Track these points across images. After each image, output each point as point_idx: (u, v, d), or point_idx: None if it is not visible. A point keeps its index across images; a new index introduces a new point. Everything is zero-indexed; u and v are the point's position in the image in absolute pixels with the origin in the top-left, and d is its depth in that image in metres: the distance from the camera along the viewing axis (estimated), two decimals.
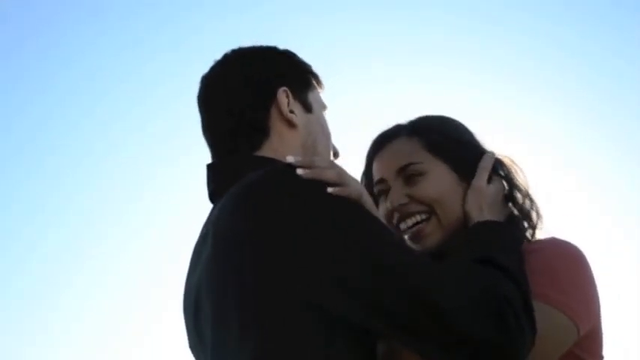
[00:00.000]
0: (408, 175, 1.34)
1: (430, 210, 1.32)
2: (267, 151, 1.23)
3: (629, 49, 4.63)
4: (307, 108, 1.30)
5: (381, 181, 1.38)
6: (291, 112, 1.26)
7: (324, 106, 1.35)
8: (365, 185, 1.40)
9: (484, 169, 1.33)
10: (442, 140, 1.37)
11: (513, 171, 1.40)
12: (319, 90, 1.35)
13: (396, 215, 1.34)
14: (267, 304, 1.01)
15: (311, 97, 1.32)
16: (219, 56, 1.33)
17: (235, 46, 1.33)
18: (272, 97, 1.25)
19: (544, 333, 1.09)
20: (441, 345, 1.03)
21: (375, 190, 1.39)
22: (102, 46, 5.29)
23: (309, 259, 1.00)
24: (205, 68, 1.34)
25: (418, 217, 1.33)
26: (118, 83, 5.29)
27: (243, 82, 1.26)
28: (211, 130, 1.29)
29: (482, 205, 1.29)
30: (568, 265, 1.24)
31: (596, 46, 4.70)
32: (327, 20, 4.85)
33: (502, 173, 1.39)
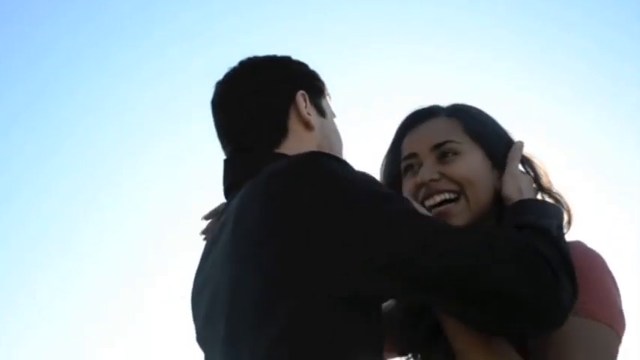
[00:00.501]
0: (444, 152, 1.33)
1: (460, 190, 1.31)
2: (285, 149, 1.27)
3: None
4: (321, 113, 1.37)
5: (412, 155, 1.37)
6: (308, 114, 1.32)
7: (334, 114, 1.42)
8: (390, 161, 1.42)
9: (516, 156, 1.34)
10: (481, 126, 1.38)
11: (537, 166, 1.41)
12: (328, 99, 1.42)
13: (424, 191, 1.32)
14: (291, 294, 1.01)
15: (324, 103, 1.39)
16: (231, 63, 1.40)
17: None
18: (291, 99, 1.32)
19: (594, 348, 1.12)
20: (484, 308, 1.04)
21: (403, 165, 1.38)
22: (79, 36, 5.17)
23: (339, 246, 1.01)
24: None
25: (447, 195, 1.31)
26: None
27: (264, 85, 1.34)
28: (230, 130, 1.34)
29: (521, 189, 1.28)
30: (599, 276, 1.24)
31: (607, 30, 4.55)
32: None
33: (527, 168, 1.40)
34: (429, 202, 1.30)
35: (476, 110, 1.42)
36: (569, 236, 1.29)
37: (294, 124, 1.30)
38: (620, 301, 1.24)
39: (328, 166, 1.08)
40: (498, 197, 1.31)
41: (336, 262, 1.01)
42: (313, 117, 1.33)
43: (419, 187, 1.32)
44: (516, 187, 1.27)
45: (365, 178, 1.11)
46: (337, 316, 1.01)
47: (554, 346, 1.12)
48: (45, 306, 5.37)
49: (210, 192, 1.60)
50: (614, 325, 1.18)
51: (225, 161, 1.32)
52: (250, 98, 1.32)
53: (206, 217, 1.42)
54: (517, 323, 1.06)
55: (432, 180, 1.31)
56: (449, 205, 1.29)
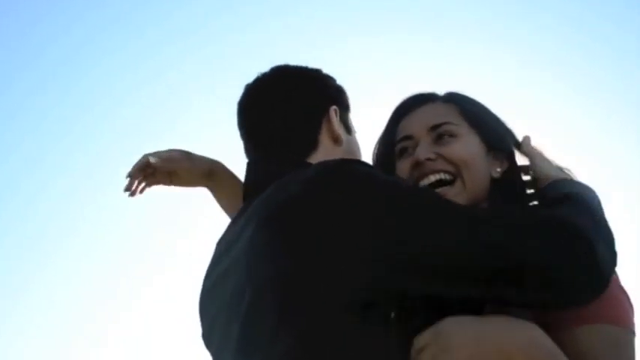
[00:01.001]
0: (440, 133, 1.33)
1: (456, 172, 1.30)
2: (312, 161, 1.27)
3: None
4: (348, 129, 1.38)
5: (408, 137, 1.36)
6: (338, 129, 1.34)
7: (356, 131, 1.43)
8: (383, 144, 1.41)
9: (532, 148, 1.35)
10: (477, 111, 1.38)
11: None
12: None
13: (419, 171, 1.31)
14: (312, 299, 1.00)
15: (350, 119, 1.41)
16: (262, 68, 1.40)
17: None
18: (324, 114, 1.33)
19: (616, 353, 1.12)
20: (518, 286, 1.02)
21: (398, 147, 1.37)
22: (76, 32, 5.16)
23: (368, 250, 1.00)
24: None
25: (442, 176, 1.30)
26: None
27: (298, 95, 1.34)
28: (258, 134, 1.35)
29: (556, 168, 1.29)
30: None
31: (605, 24, 4.54)
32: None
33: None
34: (424, 182, 1.30)
35: (472, 98, 1.42)
36: None
37: (324, 138, 1.32)
38: (622, 295, 1.21)
39: (361, 172, 1.09)
40: (492, 183, 1.33)
41: (363, 263, 1.00)
42: (342, 132, 1.35)
43: (414, 167, 1.31)
44: (552, 166, 1.29)
45: (397, 181, 1.14)
46: (354, 326, 0.99)
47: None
48: (43, 305, 5.36)
49: (206, 190, 1.60)
50: (620, 323, 1.16)
51: (250, 163, 1.33)
52: (283, 106, 1.33)
53: (130, 175, 1.50)
54: (558, 296, 1.03)
55: (429, 159, 1.30)
56: (445, 188, 1.28)
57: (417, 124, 1.35)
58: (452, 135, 1.32)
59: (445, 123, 1.33)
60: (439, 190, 1.28)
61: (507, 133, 1.40)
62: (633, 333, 1.17)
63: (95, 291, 5.23)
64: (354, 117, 1.42)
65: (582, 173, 1.31)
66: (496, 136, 1.36)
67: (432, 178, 1.29)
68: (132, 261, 5.20)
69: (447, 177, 1.29)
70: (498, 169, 1.35)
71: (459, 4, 4.58)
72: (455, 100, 1.39)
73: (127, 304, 5.16)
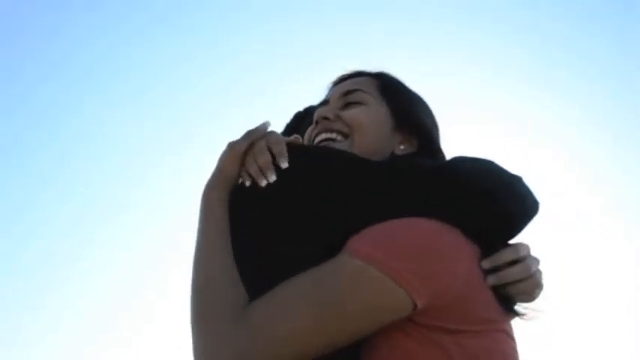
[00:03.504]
0: (350, 101, 1.34)
1: (349, 134, 1.31)
2: None
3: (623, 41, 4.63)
4: None
5: (325, 102, 1.40)
6: None
7: None
8: (306, 109, 1.46)
9: None
10: (395, 88, 1.38)
11: None
12: None
13: (317, 129, 1.34)
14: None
15: None
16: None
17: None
18: None
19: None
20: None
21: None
22: (100, 42, 5.36)
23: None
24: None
25: (333, 135, 1.31)
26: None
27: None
28: None
29: None
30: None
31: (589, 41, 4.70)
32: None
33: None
34: (317, 139, 1.33)
35: (401, 82, 1.42)
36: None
37: None
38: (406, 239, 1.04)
39: None
40: (389, 157, 1.31)
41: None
42: None
43: (315, 126, 1.34)
44: None
45: None
46: None
47: None
48: (62, 307, 5.53)
49: None
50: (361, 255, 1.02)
51: None
52: None
53: None
54: None
55: (326, 118, 1.32)
56: (330, 142, 1.30)
57: (336, 91, 1.38)
58: (359, 102, 1.33)
59: (356, 90, 1.35)
60: (324, 143, 1.31)
61: (429, 121, 1.38)
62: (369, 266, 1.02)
63: (113, 296, 5.38)
64: None
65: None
66: (407, 115, 1.35)
67: (324, 135, 1.32)
68: (151, 265, 5.35)
69: (339, 137, 1.31)
70: (402, 147, 1.33)
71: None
72: (380, 76, 1.40)
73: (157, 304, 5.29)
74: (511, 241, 1.16)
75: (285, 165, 1.12)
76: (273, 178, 1.12)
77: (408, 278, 1.00)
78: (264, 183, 1.12)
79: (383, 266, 1.00)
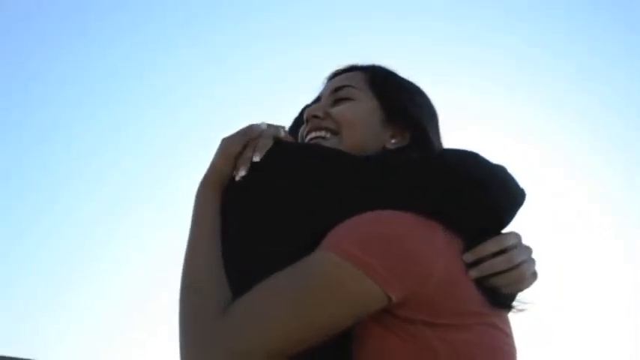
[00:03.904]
0: (339, 97, 1.34)
1: (338, 131, 1.30)
2: None
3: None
4: None
5: (317, 99, 1.40)
6: None
7: None
8: (303, 108, 1.43)
9: None
10: (384, 80, 1.37)
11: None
12: None
13: (308, 128, 1.34)
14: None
15: None
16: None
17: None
18: None
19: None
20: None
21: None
22: (123, 43, 5.42)
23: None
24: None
25: (322, 133, 1.31)
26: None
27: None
28: None
29: None
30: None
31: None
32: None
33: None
34: (307, 138, 1.33)
35: (392, 73, 1.40)
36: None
37: None
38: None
39: None
40: (387, 153, 1.29)
41: None
42: None
43: (306, 123, 1.35)
44: None
45: None
46: None
47: None
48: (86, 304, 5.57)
49: None
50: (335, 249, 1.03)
51: None
52: None
53: None
54: None
55: (315, 116, 1.33)
56: (319, 140, 1.30)
57: (328, 87, 1.38)
58: (349, 98, 1.33)
59: (346, 86, 1.34)
60: (313, 141, 1.31)
61: (425, 113, 1.36)
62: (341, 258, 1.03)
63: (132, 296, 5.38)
64: None
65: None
66: (397, 108, 1.33)
67: (314, 134, 1.32)
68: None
69: (328, 135, 1.30)
70: (393, 141, 1.31)
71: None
72: (370, 69, 1.39)
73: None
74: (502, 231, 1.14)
75: (256, 158, 1.15)
76: (242, 173, 1.15)
77: (380, 271, 1.01)
78: (237, 177, 1.16)
79: (356, 260, 1.01)
